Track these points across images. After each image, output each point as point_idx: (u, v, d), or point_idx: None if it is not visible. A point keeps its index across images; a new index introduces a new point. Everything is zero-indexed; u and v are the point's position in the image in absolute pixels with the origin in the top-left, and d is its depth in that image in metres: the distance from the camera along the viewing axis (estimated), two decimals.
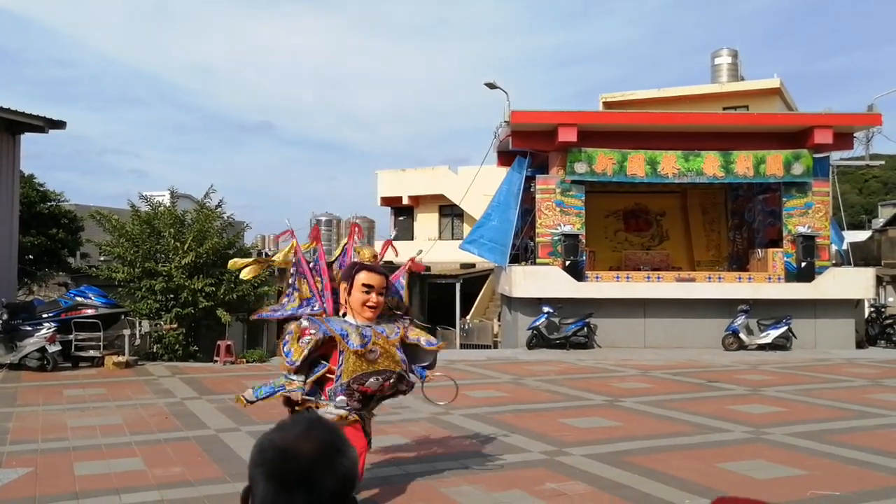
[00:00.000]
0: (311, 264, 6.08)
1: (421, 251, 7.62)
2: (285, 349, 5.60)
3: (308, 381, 5.56)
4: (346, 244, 6.36)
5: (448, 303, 26.29)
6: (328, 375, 5.64)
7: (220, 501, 5.84)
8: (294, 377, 5.54)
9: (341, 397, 5.54)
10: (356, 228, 6.67)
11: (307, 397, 5.53)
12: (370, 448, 5.96)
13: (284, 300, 6.09)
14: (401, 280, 6.32)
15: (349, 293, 5.69)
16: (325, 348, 5.61)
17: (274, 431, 1.36)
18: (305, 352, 5.48)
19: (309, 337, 5.51)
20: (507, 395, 11.05)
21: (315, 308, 5.91)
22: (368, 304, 5.61)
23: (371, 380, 5.57)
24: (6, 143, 15.62)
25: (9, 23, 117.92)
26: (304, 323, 5.67)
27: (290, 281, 6.07)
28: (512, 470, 6.78)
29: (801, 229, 17.90)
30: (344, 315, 5.80)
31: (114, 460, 7.07)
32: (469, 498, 5.94)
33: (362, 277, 5.64)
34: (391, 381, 5.69)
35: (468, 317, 26.40)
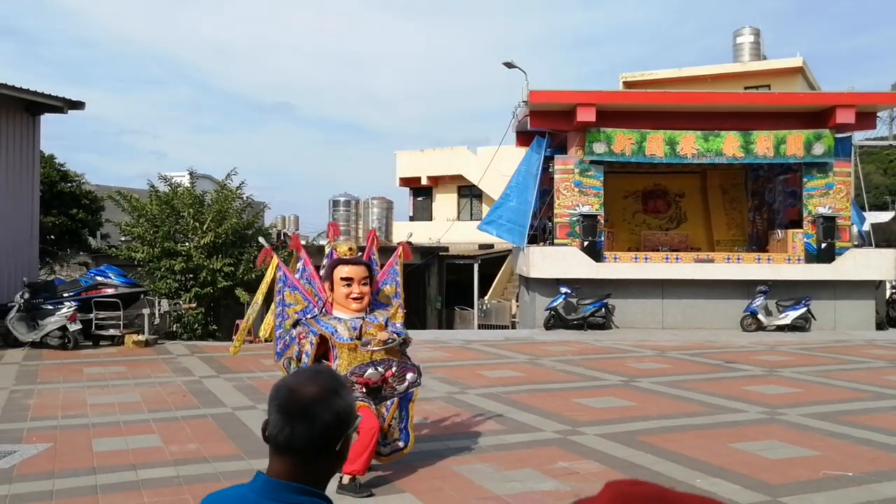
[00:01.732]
0: (299, 273, 6.15)
1: (412, 234, 7.63)
2: (298, 358, 5.75)
3: None
4: (331, 243, 6.43)
5: (466, 283, 26.33)
6: None
7: (236, 478, 5.92)
8: None
9: None
10: (332, 227, 6.72)
11: None
12: (404, 447, 6.04)
13: (277, 321, 6.14)
14: (395, 267, 6.36)
15: (332, 290, 5.78)
16: (321, 348, 5.71)
17: (289, 376, 1.66)
18: (307, 355, 5.64)
19: (304, 341, 5.71)
20: (522, 374, 11.07)
21: (313, 313, 5.99)
22: (352, 296, 5.68)
23: (370, 370, 5.64)
24: (26, 123, 15.76)
25: (29, 3, 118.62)
26: (298, 329, 5.84)
27: (276, 299, 6.11)
28: (525, 449, 6.82)
29: (822, 210, 17.69)
30: (332, 311, 5.87)
31: (132, 437, 7.19)
32: (481, 476, 5.98)
33: (340, 272, 5.72)
34: (393, 370, 5.74)
35: (486, 297, 26.43)
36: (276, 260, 6.18)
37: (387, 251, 6.86)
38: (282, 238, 21.73)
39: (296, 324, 6.01)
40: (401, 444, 6.00)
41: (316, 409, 1.55)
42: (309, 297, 6.08)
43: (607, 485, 1.39)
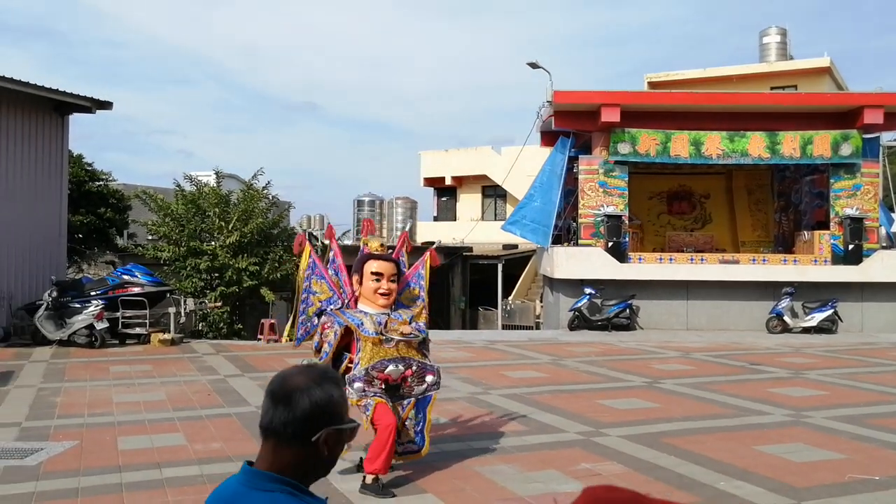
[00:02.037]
0: (329, 263, 6.24)
1: (440, 241, 7.64)
2: (318, 349, 5.87)
3: None
4: (362, 241, 6.50)
5: (490, 283, 26.31)
6: (349, 366, 5.82)
7: None
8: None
9: (358, 384, 5.66)
10: (367, 224, 6.78)
11: None
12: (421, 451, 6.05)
13: (301, 307, 6.21)
14: (420, 271, 6.38)
15: (360, 283, 5.85)
16: (345, 340, 5.78)
17: (286, 369, 1.77)
18: (329, 345, 5.72)
19: (328, 330, 5.76)
20: (546, 375, 11.03)
21: (338, 304, 6.07)
22: (380, 291, 5.76)
23: (390, 367, 5.70)
24: (55, 123, 16.00)
25: (62, 4, 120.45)
26: (323, 318, 5.91)
27: (303, 285, 6.18)
28: (547, 450, 6.79)
29: (849, 211, 17.45)
30: (356, 305, 5.94)
31: (156, 435, 7.26)
32: (504, 477, 5.97)
33: (371, 266, 5.80)
34: (413, 368, 5.80)
35: (510, 298, 26.38)
36: (309, 247, 6.23)
37: (413, 252, 6.87)
38: (308, 237, 21.85)
39: (319, 313, 6.07)
40: (415, 446, 5.99)
41: (296, 395, 1.66)
42: (334, 288, 6.15)
43: (584, 490, 1.42)
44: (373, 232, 6.73)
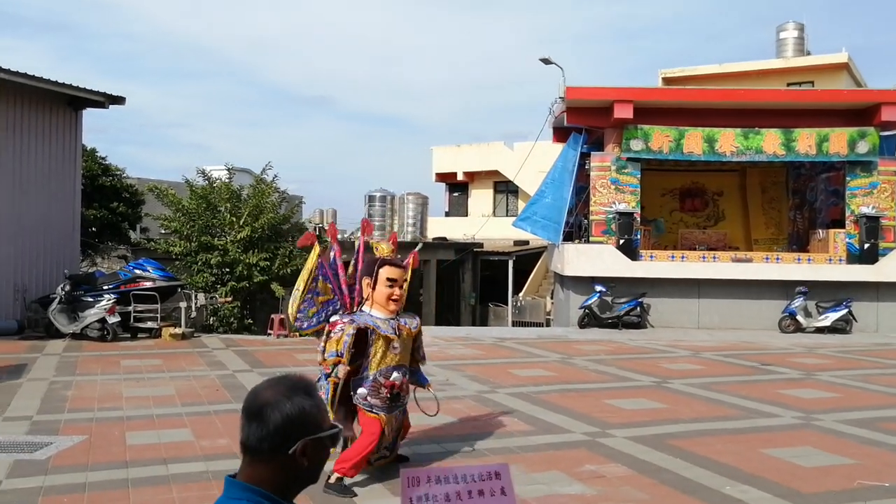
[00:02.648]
0: (330, 262, 6.22)
1: (421, 245, 7.59)
2: (323, 351, 5.76)
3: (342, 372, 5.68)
4: (359, 240, 6.47)
5: (501, 280, 26.27)
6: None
7: None
8: (335, 371, 5.65)
9: (362, 391, 5.72)
10: (366, 224, 6.75)
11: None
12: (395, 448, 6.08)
13: (304, 306, 6.13)
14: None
15: (373, 288, 5.78)
16: (356, 344, 5.74)
17: (259, 383, 1.78)
18: (346, 339, 5.62)
19: (341, 326, 5.69)
20: (553, 374, 11.00)
21: (337, 307, 6.10)
22: (393, 297, 5.75)
23: (395, 374, 5.76)
24: (68, 118, 16.10)
25: None
26: (334, 317, 5.91)
27: (311, 286, 6.14)
28: (552, 450, 6.77)
29: (865, 210, 17.28)
30: (362, 310, 5.93)
31: (164, 430, 7.30)
32: None
33: (386, 272, 5.76)
34: (408, 377, 5.93)
35: (521, 294, 26.33)
36: (317, 247, 6.20)
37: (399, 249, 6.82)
38: (318, 232, 21.89)
39: (322, 315, 6.06)
40: (387, 452, 6.01)
41: (266, 410, 1.68)
42: (336, 291, 6.15)
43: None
44: (370, 232, 6.69)
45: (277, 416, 1.67)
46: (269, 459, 1.68)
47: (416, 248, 6.43)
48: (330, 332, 5.81)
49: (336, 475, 5.58)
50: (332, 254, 6.32)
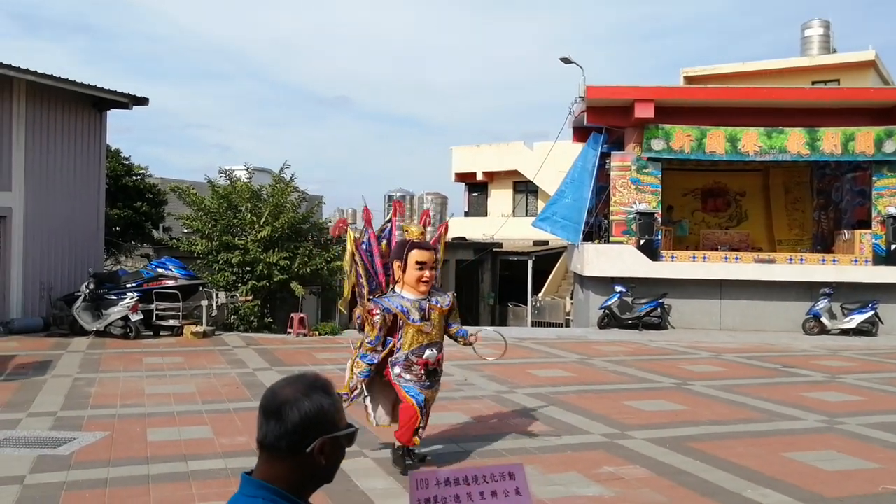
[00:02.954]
0: (364, 245, 6.35)
1: (452, 215, 7.87)
2: (365, 334, 6.14)
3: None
4: (389, 220, 6.68)
5: (520, 280, 26.21)
6: (392, 350, 6.09)
7: None
8: (366, 358, 6.06)
9: (397, 369, 5.99)
10: (398, 206, 6.88)
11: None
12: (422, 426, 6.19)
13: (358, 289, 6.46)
14: (437, 246, 6.68)
15: (404, 270, 6.01)
16: (389, 326, 6.02)
17: (276, 381, 1.79)
18: (377, 330, 5.99)
19: (378, 316, 5.98)
20: (572, 375, 10.96)
21: (373, 286, 6.30)
22: (423, 279, 5.96)
23: (428, 352, 5.98)
24: (93, 119, 16.31)
25: (101, 0, 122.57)
26: (370, 305, 6.13)
27: (352, 272, 6.44)
28: (570, 451, 6.74)
29: (892, 210, 17.00)
30: (394, 291, 6.14)
31: (185, 427, 7.37)
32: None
33: (415, 255, 5.97)
34: (441, 352, 6.14)
35: (540, 294, 26.27)
36: (351, 233, 6.44)
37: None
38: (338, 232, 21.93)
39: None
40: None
41: (285, 409, 1.68)
42: (371, 271, 6.35)
43: None
44: (402, 213, 6.93)
45: (296, 414, 1.68)
46: (286, 457, 1.69)
47: (448, 218, 6.59)
48: (369, 318, 6.07)
49: (399, 445, 6.07)
50: (365, 236, 6.46)
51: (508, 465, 2.10)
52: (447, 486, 1.97)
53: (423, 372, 5.97)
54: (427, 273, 5.95)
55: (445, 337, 6.33)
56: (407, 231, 6.35)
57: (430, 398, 6.13)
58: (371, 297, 6.21)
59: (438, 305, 6.09)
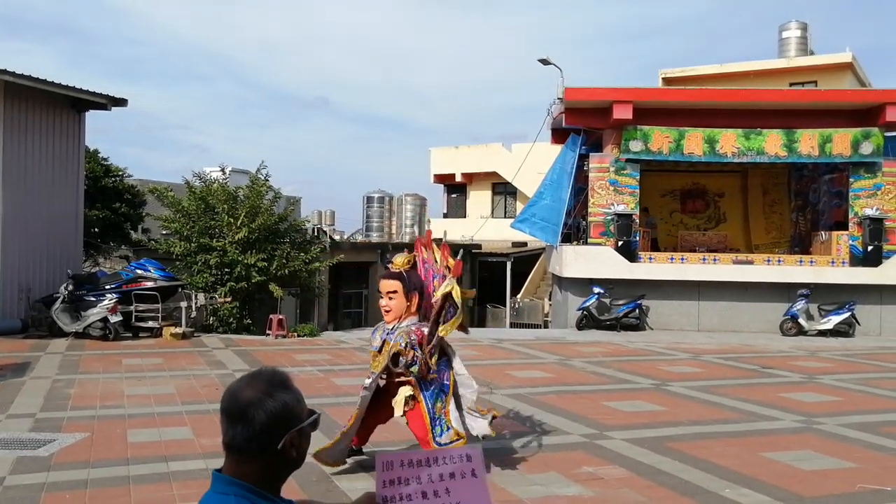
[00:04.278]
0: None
1: (445, 233, 7.56)
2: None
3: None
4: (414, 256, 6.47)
5: (499, 281, 26.28)
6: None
7: None
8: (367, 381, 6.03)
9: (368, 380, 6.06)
10: (424, 238, 6.67)
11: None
12: None
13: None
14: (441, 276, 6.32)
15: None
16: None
17: (234, 381, 1.78)
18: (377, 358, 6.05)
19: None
20: (551, 375, 11.02)
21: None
22: (383, 308, 6.01)
23: (367, 381, 6.02)
24: (71, 119, 16.16)
25: (85, 3, 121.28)
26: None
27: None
28: (550, 452, 6.78)
29: (869, 211, 17.24)
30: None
31: (165, 429, 7.33)
32: (505, 478, 5.97)
33: (379, 285, 6.10)
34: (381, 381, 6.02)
35: (519, 295, 26.33)
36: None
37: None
38: (316, 233, 21.87)
39: None
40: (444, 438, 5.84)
41: (250, 411, 1.68)
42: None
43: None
44: (428, 245, 6.65)
45: (262, 415, 1.68)
46: (256, 456, 1.70)
47: (458, 257, 6.31)
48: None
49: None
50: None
51: (466, 448, 2.21)
52: (410, 467, 2.08)
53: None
54: (383, 302, 5.94)
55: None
56: (393, 261, 6.23)
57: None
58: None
59: (389, 340, 5.84)
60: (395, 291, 5.92)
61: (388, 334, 5.92)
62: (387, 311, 5.96)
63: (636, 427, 7.75)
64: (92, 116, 16.88)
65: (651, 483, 5.91)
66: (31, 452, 6.47)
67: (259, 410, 1.68)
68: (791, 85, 26.63)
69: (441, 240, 7.55)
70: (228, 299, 15.35)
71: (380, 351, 5.95)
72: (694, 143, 17.45)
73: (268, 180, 16.58)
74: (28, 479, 5.79)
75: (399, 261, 6.09)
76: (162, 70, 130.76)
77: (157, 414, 7.98)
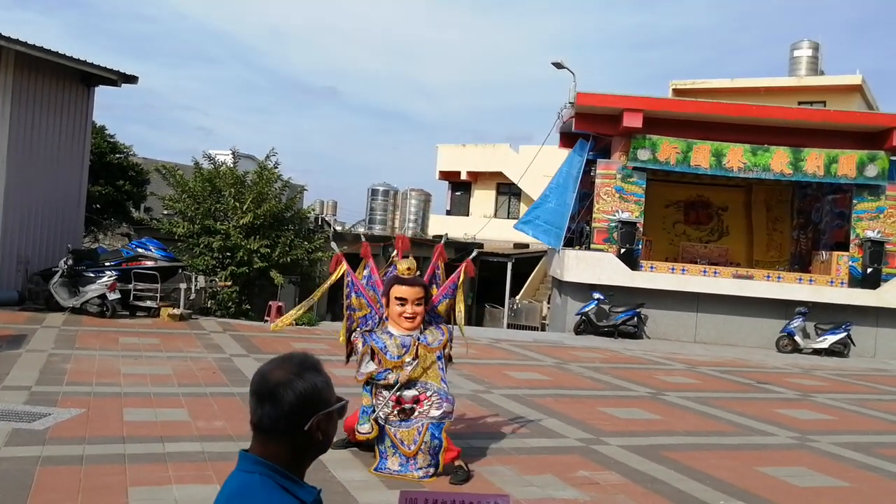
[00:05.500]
0: (365, 280, 6.38)
1: (475, 252, 7.49)
2: (365, 363, 6.03)
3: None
4: (394, 257, 6.56)
5: (499, 281, 26.27)
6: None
7: None
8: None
9: (366, 391, 6.08)
10: (401, 240, 6.71)
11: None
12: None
13: (349, 324, 6.37)
14: (456, 283, 6.40)
15: (387, 306, 6.04)
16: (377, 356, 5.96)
17: (264, 364, 1.80)
18: (366, 359, 5.98)
19: (360, 344, 6.04)
20: (549, 378, 11.02)
21: (375, 321, 6.23)
22: (405, 315, 5.92)
23: (407, 391, 5.89)
24: (80, 94, 16.10)
25: None
26: (354, 334, 6.18)
27: (345, 303, 6.34)
28: (547, 454, 6.78)
29: (871, 234, 17.28)
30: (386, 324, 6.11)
31: (161, 409, 7.31)
32: (501, 478, 5.97)
33: (395, 291, 5.95)
34: (428, 394, 5.91)
35: (518, 297, 26.34)
36: (344, 265, 6.39)
37: (423, 245, 6.88)
38: (319, 222, 21.86)
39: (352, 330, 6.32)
40: (432, 469, 5.90)
41: (279, 391, 1.69)
42: (372, 304, 6.28)
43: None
44: (406, 248, 6.69)
45: (291, 395, 1.69)
46: (282, 437, 1.71)
47: (471, 256, 6.34)
48: (355, 342, 6.15)
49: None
50: (366, 271, 6.48)
51: (496, 495, 2.16)
52: None
53: (396, 410, 5.87)
54: (409, 309, 5.89)
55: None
56: (396, 265, 6.26)
57: (402, 436, 5.87)
58: (367, 329, 6.15)
59: (426, 343, 5.95)
60: (422, 297, 5.97)
61: (410, 339, 5.91)
62: (411, 318, 5.91)
63: (632, 434, 7.76)
64: (99, 92, 16.83)
65: (646, 490, 5.91)
66: (27, 425, 6.45)
67: (288, 390, 1.69)
68: (800, 103, 26.62)
69: (442, 238, 7.46)
70: (228, 283, 15.33)
71: (400, 359, 5.88)
72: (701, 155, 17.46)
73: (277, 167, 16.58)
74: (23, 451, 5.76)
75: (404, 266, 6.10)
76: (170, 49, 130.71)
77: (153, 394, 7.96)
